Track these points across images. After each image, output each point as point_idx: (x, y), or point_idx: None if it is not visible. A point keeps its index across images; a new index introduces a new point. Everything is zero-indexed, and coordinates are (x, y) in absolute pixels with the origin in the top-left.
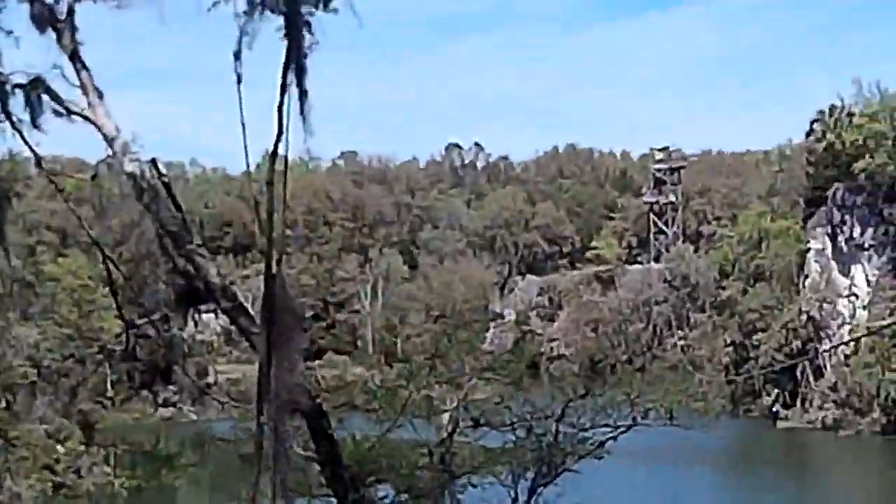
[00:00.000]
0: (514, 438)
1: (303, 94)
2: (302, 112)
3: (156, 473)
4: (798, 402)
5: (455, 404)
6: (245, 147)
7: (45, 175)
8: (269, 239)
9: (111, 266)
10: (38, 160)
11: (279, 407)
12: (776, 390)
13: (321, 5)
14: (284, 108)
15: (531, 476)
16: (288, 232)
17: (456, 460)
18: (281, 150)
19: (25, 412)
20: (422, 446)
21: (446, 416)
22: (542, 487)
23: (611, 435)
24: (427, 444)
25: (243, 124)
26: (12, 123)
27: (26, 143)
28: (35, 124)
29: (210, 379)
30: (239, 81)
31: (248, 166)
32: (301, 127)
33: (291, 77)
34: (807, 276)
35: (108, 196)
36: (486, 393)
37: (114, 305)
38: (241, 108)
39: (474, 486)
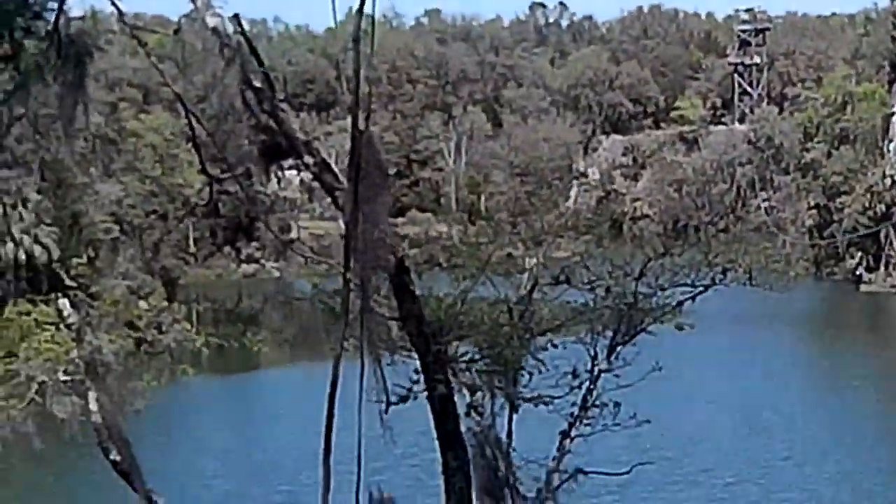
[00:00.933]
0: (593, 297)
1: None
2: None
3: (238, 331)
4: (882, 266)
5: (536, 262)
6: (333, 2)
7: (127, 30)
8: (356, 96)
9: (194, 121)
10: (121, 15)
11: (365, 263)
12: (860, 253)
13: None
14: None
15: (610, 335)
16: (373, 90)
17: (536, 318)
18: (367, 8)
19: (108, 268)
20: (502, 304)
21: (527, 275)
22: (620, 346)
23: (689, 295)
24: (508, 302)
25: None
26: None
27: None
28: None
29: (293, 235)
30: None
31: (335, 22)
32: None
33: None
34: (891, 140)
35: (190, 52)
36: (568, 251)
37: (197, 161)
38: None
39: (555, 345)
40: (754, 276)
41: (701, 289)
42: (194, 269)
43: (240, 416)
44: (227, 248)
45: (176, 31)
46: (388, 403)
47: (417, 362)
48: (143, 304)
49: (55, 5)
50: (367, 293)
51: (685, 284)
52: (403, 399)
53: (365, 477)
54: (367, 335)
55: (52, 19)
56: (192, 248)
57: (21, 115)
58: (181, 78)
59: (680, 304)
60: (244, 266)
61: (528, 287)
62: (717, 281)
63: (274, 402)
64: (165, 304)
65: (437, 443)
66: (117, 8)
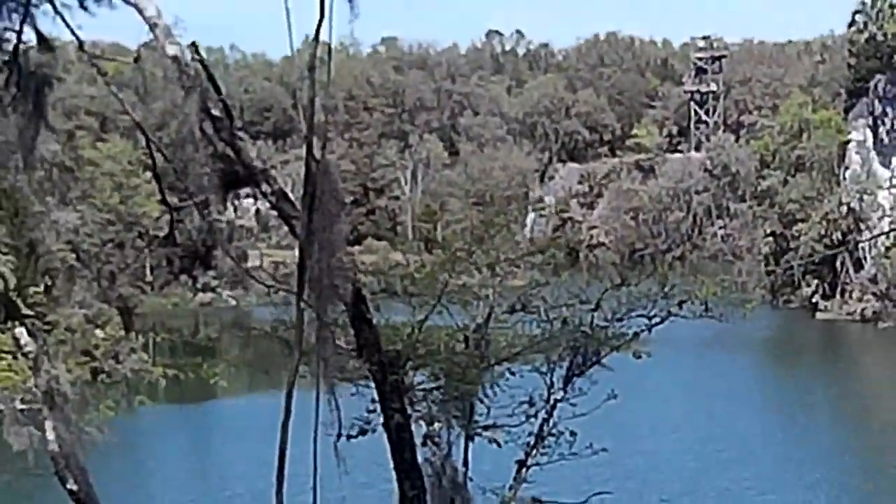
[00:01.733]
0: (549, 326)
1: None
2: None
3: (195, 361)
4: (837, 294)
5: (492, 291)
6: (289, 31)
7: (87, 58)
8: (311, 124)
9: (154, 150)
10: (81, 44)
11: (321, 293)
12: (816, 281)
13: None
14: None
15: (566, 364)
16: (329, 118)
17: (492, 347)
18: (323, 35)
19: (65, 297)
20: (459, 333)
21: (483, 303)
22: (576, 377)
23: (646, 326)
24: (464, 331)
25: (287, 8)
26: (54, 7)
27: (68, 26)
28: (82, 5)
29: (250, 263)
30: None
31: (291, 50)
32: (342, 11)
33: None
34: (847, 168)
35: (150, 80)
36: (524, 280)
37: (153, 190)
38: None
39: (512, 373)
40: (710, 308)
41: (658, 320)
42: (151, 298)
43: (197, 446)
44: (183, 277)
45: (136, 60)
46: (343, 434)
47: (374, 392)
48: (99, 332)
49: (11, 35)
50: (323, 322)
51: (642, 315)
52: (361, 431)
53: None
54: (322, 365)
55: (10, 49)
56: (149, 277)
57: None
58: (140, 106)
59: (636, 334)
60: (201, 295)
61: (484, 316)
62: (672, 312)
63: (231, 432)
64: (122, 333)
65: (393, 473)
66: (77, 37)
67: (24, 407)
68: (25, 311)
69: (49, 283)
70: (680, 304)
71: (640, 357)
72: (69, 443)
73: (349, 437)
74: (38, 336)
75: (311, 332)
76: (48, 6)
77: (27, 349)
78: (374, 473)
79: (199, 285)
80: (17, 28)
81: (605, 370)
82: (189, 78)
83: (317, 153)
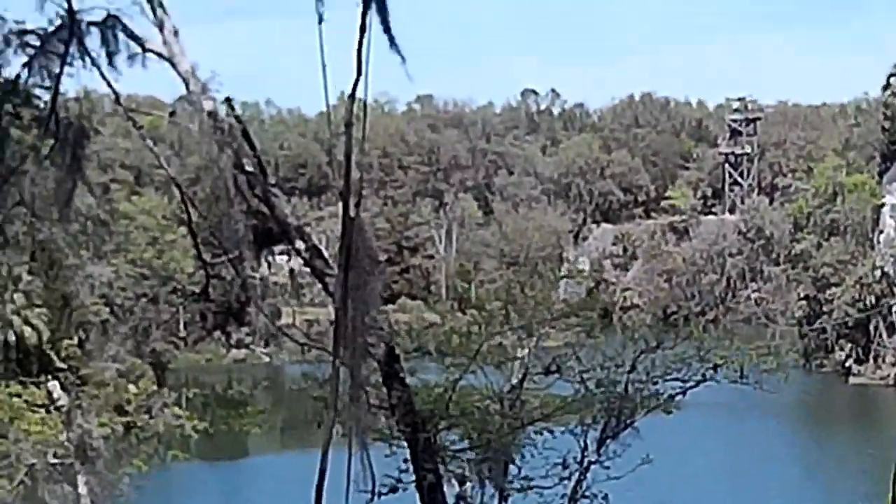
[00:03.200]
0: (583, 389)
1: (387, 29)
2: (392, 43)
3: (228, 416)
4: (871, 359)
5: (526, 352)
6: (325, 88)
7: (123, 112)
8: (347, 181)
9: (188, 204)
10: (117, 97)
11: (355, 350)
12: (849, 345)
13: None
14: (364, 48)
15: (600, 426)
16: (364, 175)
17: (526, 408)
18: (359, 93)
19: (98, 351)
20: (493, 393)
21: (517, 364)
22: (610, 439)
23: (680, 389)
24: (498, 392)
25: (324, 65)
26: (92, 60)
27: (105, 79)
28: (111, 62)
29: (283, 321)
30: (320, 21)
31: (327, 108)
32: (378, 68)
33: (372, 16)
34: (881, 231)
35: (185, 134)
36: (559, 341)
37: (189, 245)
38: (321, 49)
39: (550, 432)
40: (746, 374)
41: (692, 383)
42: (184, 353)
43: (229, 502)
44: (217, 333)
45: (171, 114)
46: (375, 493)
47: (406, 451)
48: (132, 387)
49: (47, 90)
50: (357, 381)
51: (677, 378)
52: (392, 490)
53: None
54: (355, 423)
55: (48, 101)
56: (183, 332)
57: (18, 202)
58: (175, 160)
59: (672, 397)
60: (234, 351)
61: (519, 377)
62: (707, 377)
63: (263, 489)
64: (155, 388)
65: None
66: (114, 90)
67: (56, 461)
68: (59, 364)
69: (82, 337)
70: (715, 368)
71: (670, 413)
72: (102, 498)
73: (380, 494)
74: (70, 390)
75: (345, 391)
76: (81, 61)
77: (60, 403)
78: None
79: (232, 341)
80: (50, 83)
81: (640, 433)
82: (223, 133)
83: (352, 211)
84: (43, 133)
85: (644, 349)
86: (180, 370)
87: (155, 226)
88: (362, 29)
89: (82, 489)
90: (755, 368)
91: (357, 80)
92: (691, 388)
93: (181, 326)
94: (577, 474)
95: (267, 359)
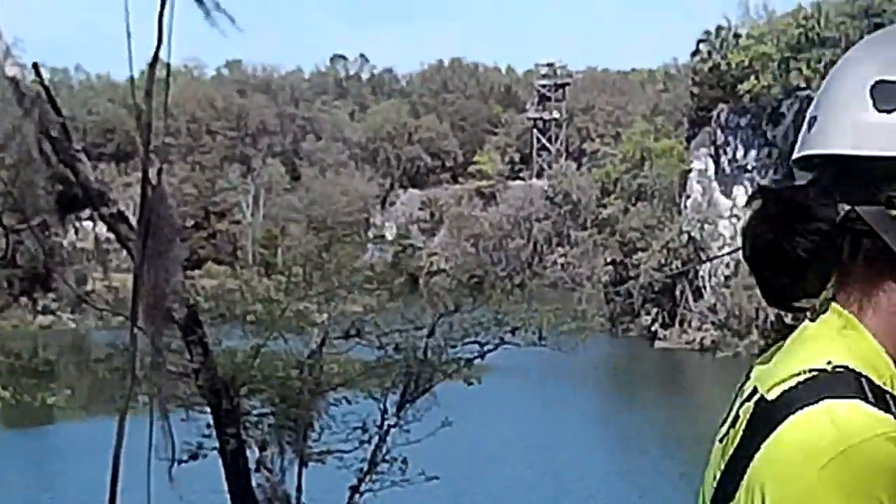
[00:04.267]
0: (383, 353)
1: None
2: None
3: (34, 384)
4: (677, 323)
5: (327, 316)
6: (130, 56)
7: None
8: (147, 149)
9: None
10: None
11: (155, 316)
12: (655, 310)
13: None
14: (165, 15)
15: (399, 391)
16: (171, 141)
17: (326, 373)
18: (164, 57)
19: None
20: (294, 359)
21: (317, 329)
22: (409, 403)
23: (479, 353)
24: (299, 357)
25: (129, 32)
26: None
27: None
28: None
29: (89, 287)
30: None
31: (131, 74)
32: (184, 35)
33: None
34: (689, 197)
35: None
36: (361, 306)
37: None
38: (126, 15)
39: (349, 401)
40: (544, 336)
41: (490, 347)
42: None
43: (33, 471)
44: (23, 299)
45: None
46: (176, 461)
47: (207, 418)
48: None
49: None
50: (157, 348)
51: (475, 342)
52: (193, 456)
53: None
54: (156, 390)
55: None
56: None
57: None
58: None
59: (469, 361)
60: (40, 317)
61: (318, 342)
62: (505, 340)
63: (69, 456)
64: None
65: (227, 498)
66: None
67: None
68: None
69: None
70: (513, 332)
71: (471, 383)
72: None
73: (181, 461)
74: None
75: (145, 357)
76: None
77: None
78: (207, 499)
79: (38, 307)
80: None
81: (440, 396)
82: (28, 99)
83: (153, 178)
84: None
85: (443, 313)
86: None
87: None
88: None
89: None
90: (554, 331)
91: (158, 48)
92: (489, 351)
93: None
94: (376, 439)
95: (73, 325)
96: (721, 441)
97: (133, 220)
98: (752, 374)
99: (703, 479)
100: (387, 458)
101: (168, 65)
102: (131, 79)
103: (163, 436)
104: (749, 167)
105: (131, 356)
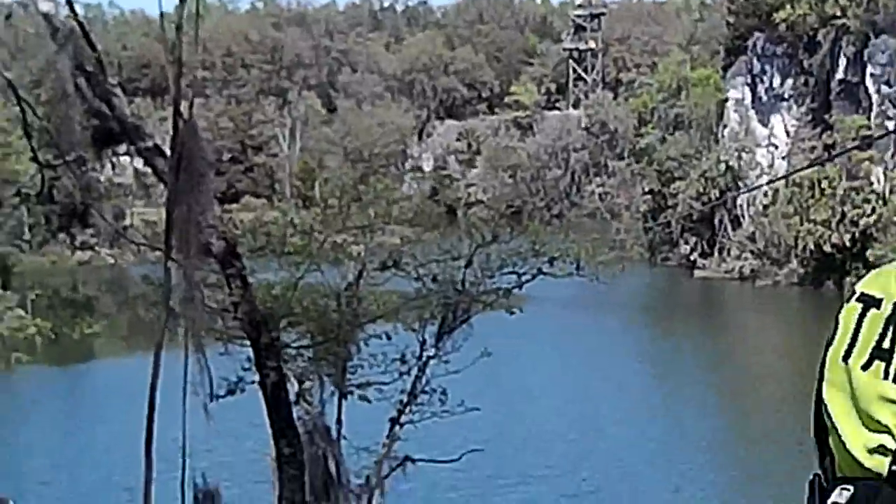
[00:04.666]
0: (421, 284)
1: None
2: None
3: (73, 319)
4: (715, 252)
5: (363, 249)
6: None
7: None
8: (178, 84)
9: (26, 108)
10: None
11: (189, 250)
12: (694, 239)
13: None
14: None
15: (438, 322)
16: (206, 75)
17: (364, 305)
18: None
19: None
20: (332, 292)
21: (354, 262)
22: (447, 334)
23: (516, 283)
24: (336, 290)
25: None
26: None
27: None
28: None
29: (127, 222)
30: None
31: (161, 8)
32: None
33: None
34: (726, 126)
35: (24, 37)
36: (398, 239)
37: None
38: None
39: (387, 335)
40: (582, 266)
41: (528, 277)
42: (29, 256)
43: (73, 406)
44: (61, 235)
45: (7, 17)
46: (213, 395)
47: (244, 352)
48: None
49: None
50: (191, 282)
51: (513, 272)
52: (231, 391)
53: (191, 468)
54: (190, 324)
55: None
56: (27, 235)
57: None
58: (14, 63)
59: (508, 291)
60: (79, 253)
61: (356, 274)
62: (543, 270)
63: (108, 391)
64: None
65: (269, 431)
66: None
67: None
68: None
69: None
70: (551, 262)
71: (513, 313)
72: None
73: (219, 396)
74: None
75: (180, 292)
76: None
77: None
78: (247, 432)
79: (77, 243)
80: None
81: (479, 328)
82: (62, 34)
83: (184, 113)
84: None
85: (481, 244)
86: (25, 273)
87: None
88: None
89: None
90: (593, 261)
91: None
92: (527, 281)
93: (25, 229)
94: (415, 370)
95: (112, 260)
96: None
97: (169, 154)
98: (874, 291)
99: (829, 400)
100: (426, 389)
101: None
102: (161, 13)
103: (199, 370)
104: (785, 95)
105: (165, 289)
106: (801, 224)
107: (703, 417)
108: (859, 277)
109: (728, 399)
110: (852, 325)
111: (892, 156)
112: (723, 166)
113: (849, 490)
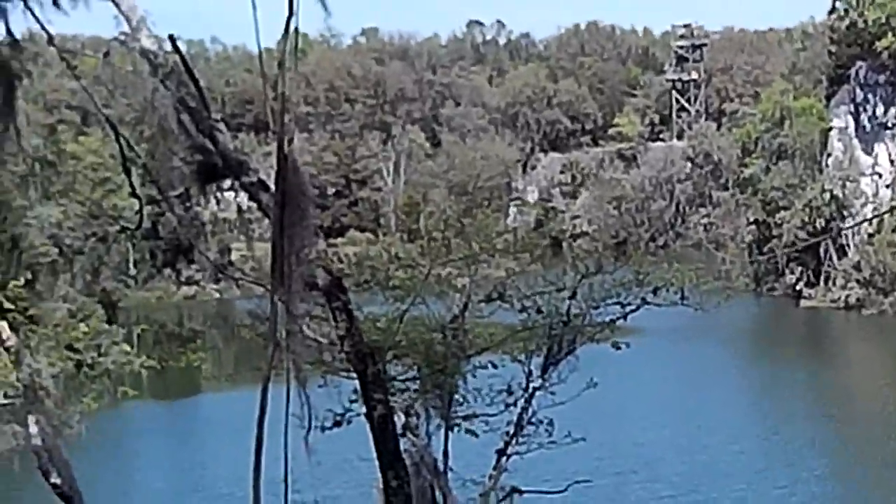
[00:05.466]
0: (526, 316)
1: None
2: None
3: (178, 353)
4: (821, 281)
5: (469, 281)
6: (256, 28)
7: (59, 54)
8: (281, 121)
9: (125, 144)
10: (50, 38)
11: (292, 285)
12: (799, 269)
13: None
14: None
15: (543, 354)
16: (309, 109)
17: (469, 337)
18: (293, 31)
19: (47, 291)
20: (437, 324)
21: (460, 294)
22: (553, 365)
23: (621, 314)
24: (442, 322)
25: (254, 6)
26: (25, 3)
27: (38, 21)
28: (56, 2)
29: (232, 257)
30: None
31: (259, 50)
32: (317, 4)
33: None
34: (829, 155)
35: (124, 74)
36: (503, 271)
37: (136, 183)
38: None
39: (494, 365)
40: (686, 295)
41: (632, 307)
42: (134, 292)
43: (179, 440)
44: (167, 271)
45: (106, 55)
46: (317, 427)
47: (349, 385)
48: (82, 326)
49: None
50: (294, 315)
51: (617, 303)
52: (337, 423)
53: (299, 501)
54: (293, 358)
55: None
56: (133, 271)
57: None
58: (118, 100)
59: (612, 322)
60: (184, 288)
61: (461, 306)
62: (647, 300)
63: (214, 425)
64: (105, 326)
65: (376, 463)
66: (47, 32)
67: (5, 402)
68: (8, 305)
69: (31, 278)
70: (655, 292)
71: (619, 348)
72: (52, 436)
73: (323, 429)
74: (20, 331)
75: (284, 325)
76: (19, 2)
77: (9, 344)
78: (354, 465)
79: (182, 278)
80: None
81: (585, 358)
82: (162, 70)
83: (285, 149)
84: None
85: (585, 274)
86: (131, 308)
87: (102, 166)
88: None
89: (33, 428)
90: (697, 291)
91: (289, 19)
92: (632, 311)
93: (131, 265)
94: (522, 401)
95: (217, 295)
96: None
97: (273, 189)
98: None
99: None
100: (532, 420)
101: (298, 35)
102: (260, 50)
103: (300, 405)
104: (889, 124)
105: (272, 324)
106: None
107: (812, 448)
108: None
109: (836, 429)
110: None
111: None
112: (827, 195)
113: None
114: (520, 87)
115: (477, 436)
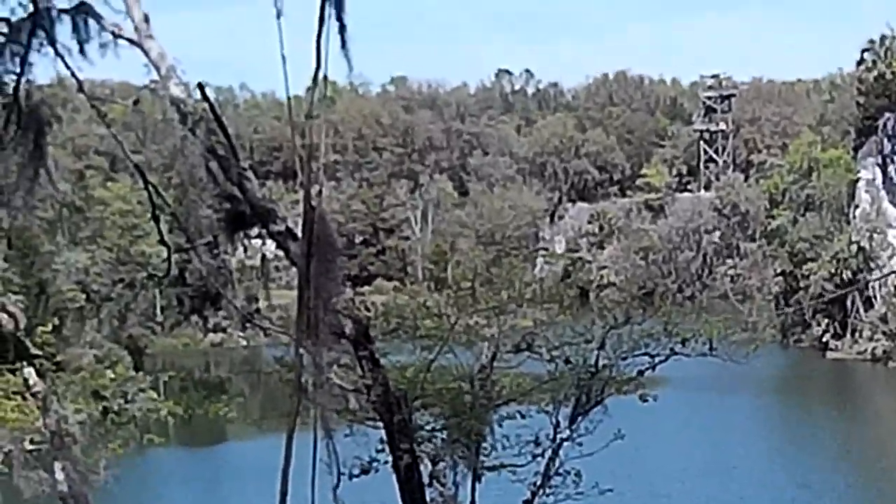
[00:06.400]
0: (554, 366)
1: (342, 29)
2: (343, 46)
3: (205, 400)
4: (848, 333)
5: (497, 331)
6: (285, 77)
7: (88, 100)
8: (308, 172)
9: (153, 191)
10: (80, 85)
11: (319, 334)
12: (826, 320)
13: None
14: (323, 39)
15: (571, 404)
16: (337, 158)
17: (497, 387)
18: (321, 80)
19: (74, 336)
20: (465, 374)
21: (487, 344)
22: (581, 416)
23: (649, 364)
24: (469, 371)
25: (283, 57)
26: (55, 50)
27: (69, 68)
28: (82, 50)
29: (260, 305)
30: (279, 16)
31: (288, 98)
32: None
33: (330, 9)
34: (857, 206)
35: (154, 121)
36: (531, 321)
37: (165, 230)
38: (280, 42)
39: (522, 415)
40: (715, 347)
41: (661, 358)
42: (161, 338)
43: (205, 488)
44: (194, 317)
45: (135, 102)
46: (344, 475)
47: (377, 433)
48: (109, 373)
49: (12, 76)
50: (321, 365)
51: (645, 353)
52: (364, 471)
53: None
54: (319, 408)
55: (10, 90)
56: (160, 317)
57: None
58: (147, 146)
59: (640, 373)
60: (211, 335)
61: (489, 356)
62: (675, 351)
63: (240, 473)
64: (132, 373)
65: None
66: (77, 79)
67: (32, 448)
68: (35, 351)
69: (58, 324)
70: (683, 343)
71: (646, 401)
72: (78, 483)
73: (351, 476)
74: (47, 376)
75: (310, 375)
76: (49, 49)
77: (36, 390)
78: None
79: (209, 325)
80: (17, 70)
81: (613, 408)
82: (192, 118)
83: (313, 200)
84: (6, 120)
85: (613, 325)
86: (157, 355)
87: (129, 212)
88: (321, 20)
89: (59, 475)
90: (725, 342)
91: (317, 71)
92: (661, 362)
93: (158, 311)
94: (549, 452)
95: (244, 342)
96: None
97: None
98: None
99: None
100: (560, 471)
101: (326, 84)
102: (288, 100)
103: (327, 454)
104: None
105: (297, 373)
106: None
107: (840, 501)
108: None
109: (864, 482)
110: None
111: None
112: (854, 247)
113: None
114: (548, 136)
115: (510, 476)
